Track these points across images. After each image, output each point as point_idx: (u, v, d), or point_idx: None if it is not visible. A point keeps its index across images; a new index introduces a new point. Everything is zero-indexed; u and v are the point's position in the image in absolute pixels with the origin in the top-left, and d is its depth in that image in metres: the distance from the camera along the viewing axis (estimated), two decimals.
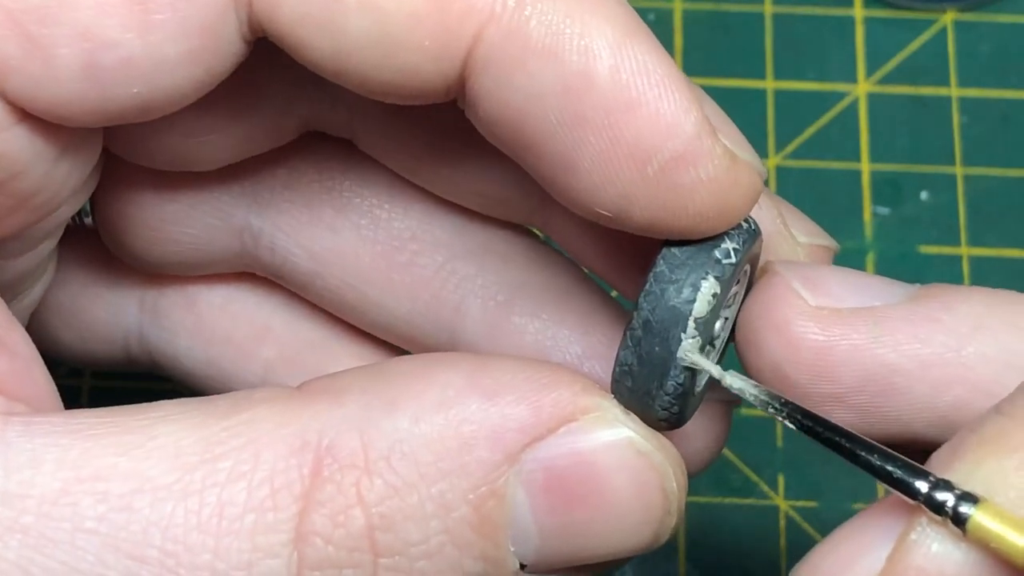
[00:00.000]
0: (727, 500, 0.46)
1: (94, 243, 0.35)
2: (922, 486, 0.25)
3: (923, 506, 0.25)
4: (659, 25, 0.52)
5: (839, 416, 0.28)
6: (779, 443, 0.47)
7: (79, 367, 0.46)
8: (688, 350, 0.28)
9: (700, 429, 0.32)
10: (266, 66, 0.30)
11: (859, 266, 0.49)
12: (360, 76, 0.28)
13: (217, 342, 0.36)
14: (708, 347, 0.29)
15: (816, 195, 0.50)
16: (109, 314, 0.36)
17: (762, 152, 0.50)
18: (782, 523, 0.46)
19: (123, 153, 0.32)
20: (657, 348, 0.28)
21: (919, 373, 0.28)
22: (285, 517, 0.25)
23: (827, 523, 0.46)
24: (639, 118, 0.27)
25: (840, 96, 0.51)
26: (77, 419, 0.26)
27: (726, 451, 0.46)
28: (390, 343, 0.35)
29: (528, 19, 0.27)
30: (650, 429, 0.28)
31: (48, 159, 0.29)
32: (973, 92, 0.51)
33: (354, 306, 0.34)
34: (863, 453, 0.26)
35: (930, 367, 0.28)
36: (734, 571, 0.46)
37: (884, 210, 0.50)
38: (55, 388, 0.28)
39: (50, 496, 0.25)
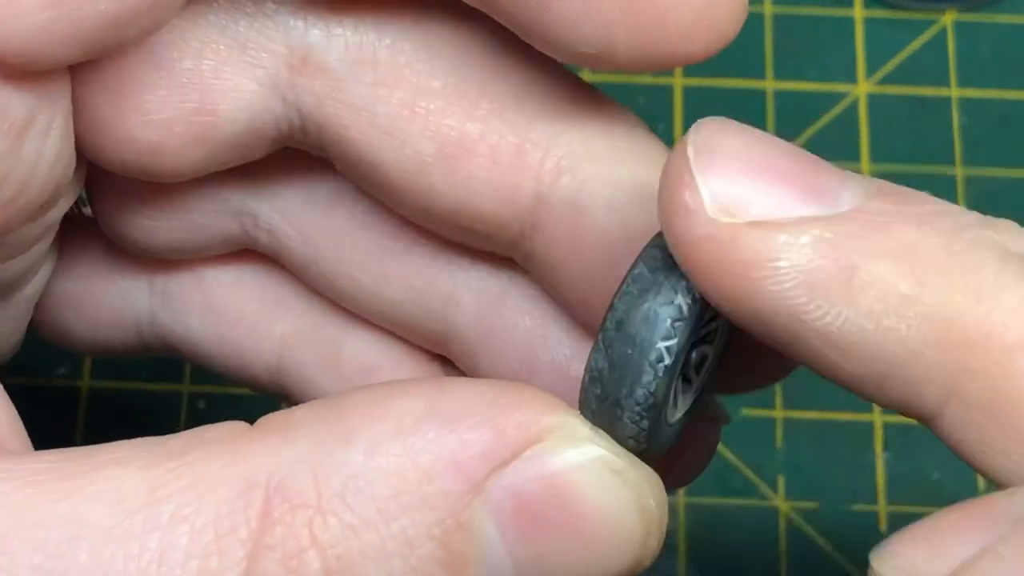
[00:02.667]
0: (727, 501, 0.46)
1: (98, 231, 0.34)
2: None
3: None
4: None
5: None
6: (779, 444, 0.47)
7: (92, 356, 0.46)
8: (663, 353, 0.26)
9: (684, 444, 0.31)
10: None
11: None
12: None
13: (229, 321, 0.35)
14: (684, 382, 0.27)
15: None
16: (119, 301, 0.35)
17: None
18: (782, 524, 0.46)
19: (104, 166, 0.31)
20: (630, 351, 0.26)
21: None
22: (232, 562, 0.24)
23: (827, 524, 0.46)
24: None
25: (840, 96, 0.51)
26: (23, 464, 0.25)
27: (727, 452, 0.46)
28: None
29: None
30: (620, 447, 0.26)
31: (6, 132, 0.27)
32: (973, 92, 0.51)
33: (348, 292, 0.33)
34: None
35: None
36: (734, 571, 0.46)
37: None
38: (17, 419, 0.27)
39: None
